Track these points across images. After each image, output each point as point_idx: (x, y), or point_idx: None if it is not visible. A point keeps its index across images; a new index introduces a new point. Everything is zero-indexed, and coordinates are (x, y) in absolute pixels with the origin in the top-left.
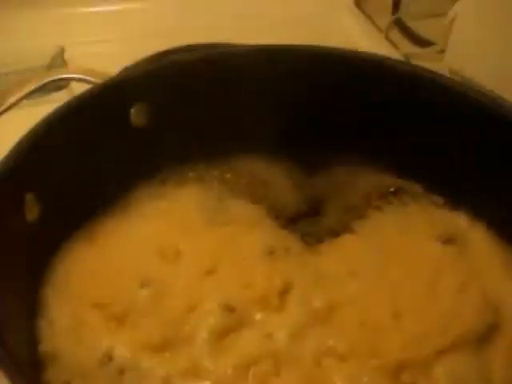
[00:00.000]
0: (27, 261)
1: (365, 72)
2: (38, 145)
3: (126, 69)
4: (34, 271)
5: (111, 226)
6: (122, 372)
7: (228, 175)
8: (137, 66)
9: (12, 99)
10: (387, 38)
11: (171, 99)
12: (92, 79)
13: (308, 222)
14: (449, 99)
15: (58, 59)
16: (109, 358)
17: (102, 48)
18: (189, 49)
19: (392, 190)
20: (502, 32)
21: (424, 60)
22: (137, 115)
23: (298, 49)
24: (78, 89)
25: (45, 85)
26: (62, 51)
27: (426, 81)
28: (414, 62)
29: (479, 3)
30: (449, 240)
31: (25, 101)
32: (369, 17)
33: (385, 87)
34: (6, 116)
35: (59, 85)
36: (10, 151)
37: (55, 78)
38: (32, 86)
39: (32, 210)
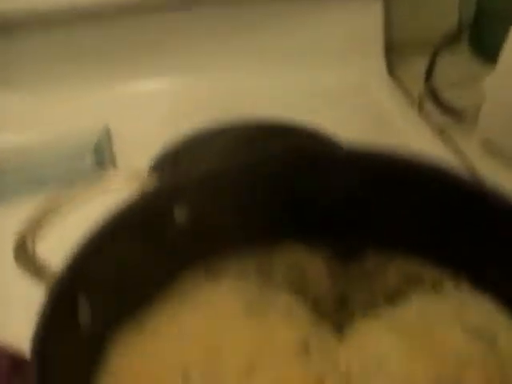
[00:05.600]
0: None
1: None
2: (91, 251)
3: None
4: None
5: (159, 316)
6: None
7: (267, 265)
8: (179, 144)
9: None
10: (420, 108)
11: (212, 200)
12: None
13: (340, 310)
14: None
15: (105, 139)
16: None
17: (147, 124)
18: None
19: (421, 276)
20: None
21: (457, 130)
22: (181, 215)
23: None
24: None
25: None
26: (107, 131)
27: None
28: (447, 132)
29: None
30: (476, 331)
31: None
32: (401, 84)
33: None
34: None
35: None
36: (67, 258)
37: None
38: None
39: (83, 310)
